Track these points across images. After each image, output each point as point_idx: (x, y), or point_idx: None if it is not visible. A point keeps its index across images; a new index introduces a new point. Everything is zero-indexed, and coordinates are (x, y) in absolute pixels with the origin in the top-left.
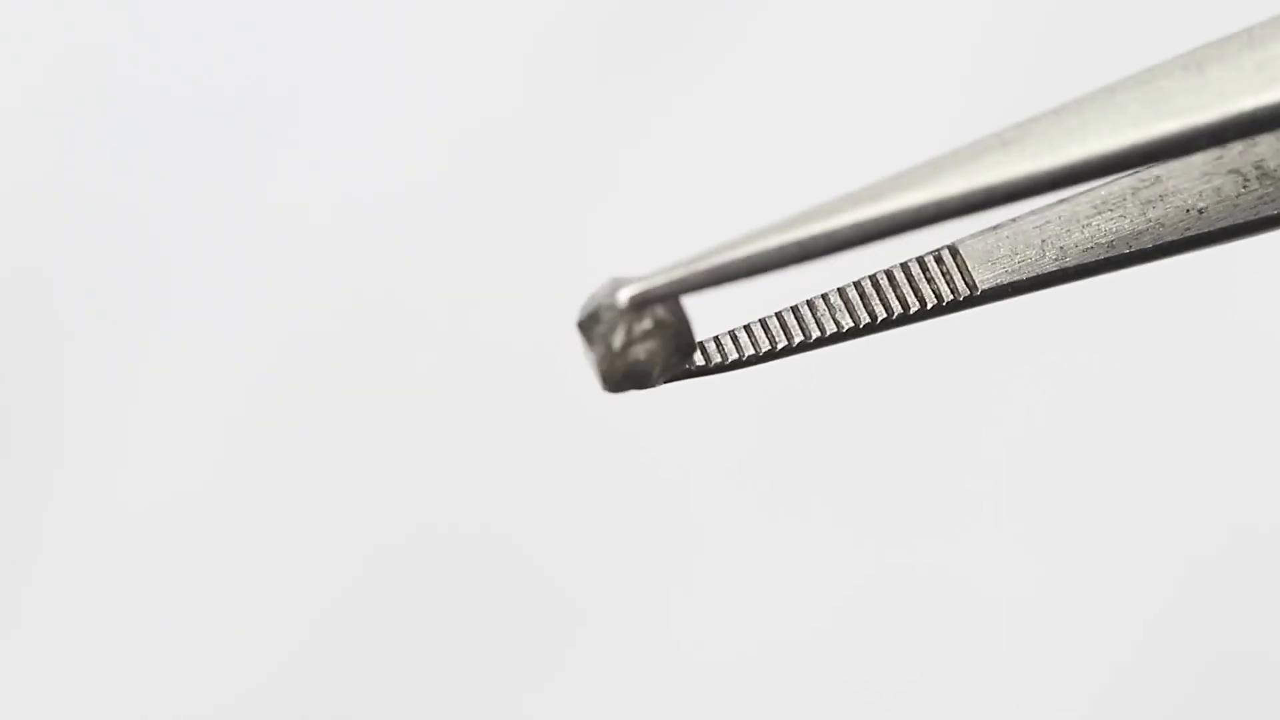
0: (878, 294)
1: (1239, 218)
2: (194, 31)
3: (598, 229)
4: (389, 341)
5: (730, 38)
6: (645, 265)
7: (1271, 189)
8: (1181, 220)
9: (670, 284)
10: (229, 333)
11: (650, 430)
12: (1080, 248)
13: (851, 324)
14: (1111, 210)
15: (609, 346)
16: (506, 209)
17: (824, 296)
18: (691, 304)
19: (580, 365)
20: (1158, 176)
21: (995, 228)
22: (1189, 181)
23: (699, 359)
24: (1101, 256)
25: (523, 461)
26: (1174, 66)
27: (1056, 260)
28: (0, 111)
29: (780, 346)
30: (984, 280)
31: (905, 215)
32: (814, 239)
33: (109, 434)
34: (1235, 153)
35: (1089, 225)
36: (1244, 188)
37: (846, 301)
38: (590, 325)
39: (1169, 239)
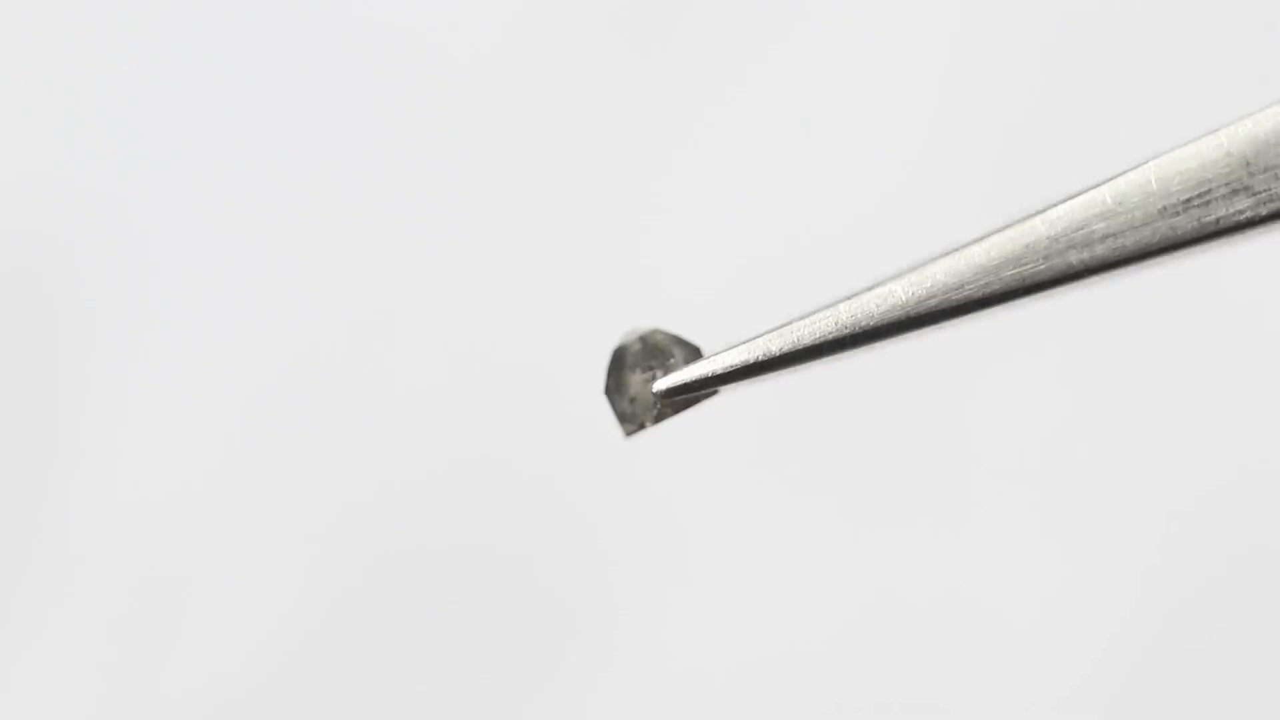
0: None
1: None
2: (198, 26)
3: (607, 235)
4: (391, 349)
5: (753, 48)
6: (657, 276)
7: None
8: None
9: (702, 378)
10: (226, 337)
11: (647, 436)
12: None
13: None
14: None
15: (637, 424)
16: (514, 214)
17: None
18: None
19: (577, 375)
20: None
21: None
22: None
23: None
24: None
25: (519, 470)
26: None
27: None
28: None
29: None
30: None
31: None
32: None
33: (107, 435)
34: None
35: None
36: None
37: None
38: (619, 399)
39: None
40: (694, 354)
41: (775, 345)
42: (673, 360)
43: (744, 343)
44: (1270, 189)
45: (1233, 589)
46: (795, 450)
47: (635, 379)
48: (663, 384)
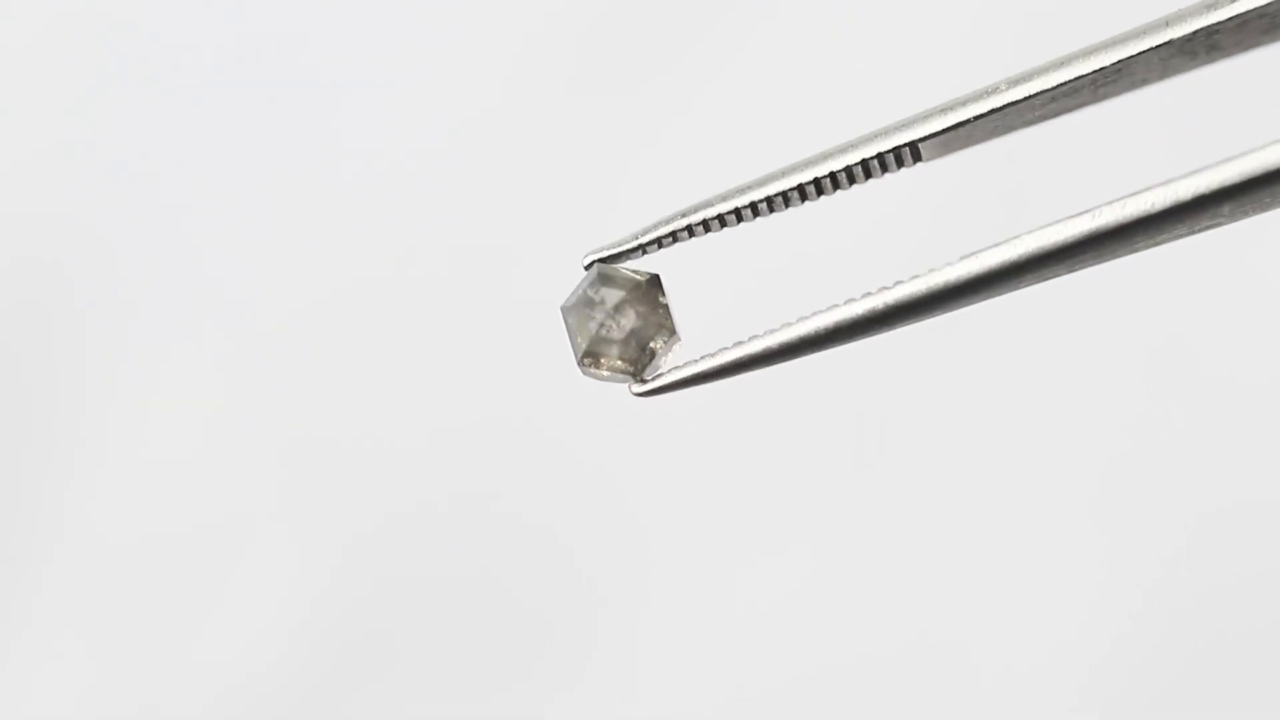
0: (834, 186)
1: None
2: (199, 27)
3: (601, 225)
4: (404, 339)
5: (737, 43)
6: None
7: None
8: (1130, 85)
9: (685, 380)
10: (237, 326)
11: (667, 418)
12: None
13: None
14: (1067, 97)
15: (602, 381)
16: (510, 205)
17: (783, 194)
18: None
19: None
20: (1119, 68)
21: (958, 126)
22: (1145, 67)
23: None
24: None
25: (548, 455)
26: None
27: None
28: (11, 100)
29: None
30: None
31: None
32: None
33: (120, 423)
34: (1185, 38)
35: (1044, 109)
36: (1193, 59)
37: (803, 195)
38: (593, 370)
39: (1113, 95)
40: (669, 333)
41: (760, 347)
42: (656, 350)
43: (734, 346)
44: None
45: (1196, 576)
46: (793, 453)
47: (613, 361)
48: (645, 389)
